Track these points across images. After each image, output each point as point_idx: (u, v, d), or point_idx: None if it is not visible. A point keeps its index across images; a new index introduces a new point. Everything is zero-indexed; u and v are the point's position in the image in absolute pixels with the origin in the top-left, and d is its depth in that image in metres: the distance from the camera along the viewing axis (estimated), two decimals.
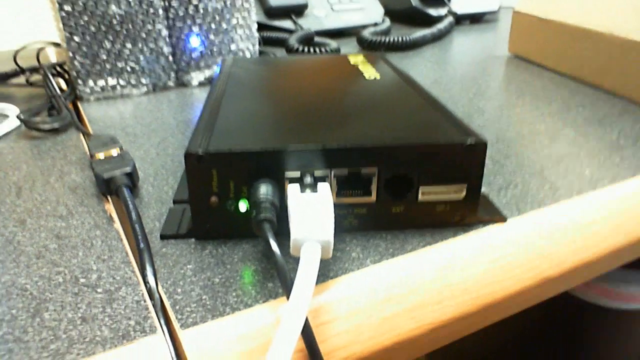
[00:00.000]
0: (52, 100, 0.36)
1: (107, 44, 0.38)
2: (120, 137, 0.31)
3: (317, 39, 0.54)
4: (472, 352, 0.62)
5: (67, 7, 0.36)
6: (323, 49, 0.49)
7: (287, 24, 0.58)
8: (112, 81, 0.39)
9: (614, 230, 0.22)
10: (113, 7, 0.37)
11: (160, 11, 0.39)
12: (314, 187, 0.19)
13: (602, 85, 0.38)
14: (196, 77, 0.42)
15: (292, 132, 0.20)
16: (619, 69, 0.36)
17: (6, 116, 0.36)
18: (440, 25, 0.59)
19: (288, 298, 0.15)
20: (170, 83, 0.42)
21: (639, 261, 0.25)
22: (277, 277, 0.18)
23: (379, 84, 0.27)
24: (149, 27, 0.39)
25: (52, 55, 0.52)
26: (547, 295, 0.21)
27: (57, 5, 0.36)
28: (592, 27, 0.38)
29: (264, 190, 0.18)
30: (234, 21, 0.42)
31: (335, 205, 0.20)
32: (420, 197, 0.20)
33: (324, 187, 0.19)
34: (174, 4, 0.40)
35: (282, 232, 0.18)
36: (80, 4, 0.36)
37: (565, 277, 0.20)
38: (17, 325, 0.16)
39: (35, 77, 0.43)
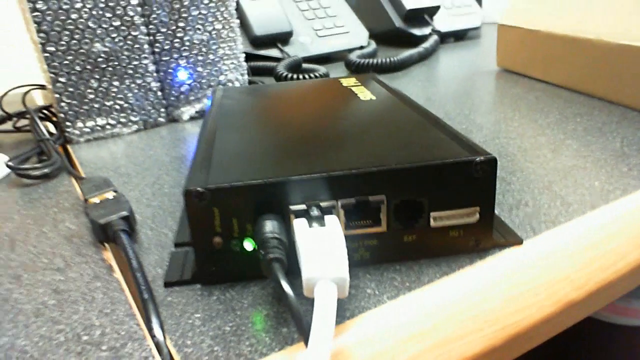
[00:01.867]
0: (41, 145, 0.35)
1: (94, 83, 0.38)
2: (114, 178, 0.30)
3: (305, 65, 0.54)
4: None
5: (51, 48, 0.36)
6: (312, 75, 0.48)
7: (273, 52, 0.58)
8: (101, 121, 0.38)
9: (633, 245, 0.21)
10: (97, 45, 0.37)
11: (146, 46, 0.39)
12: (321, 220, 0.18)
13: (595, 93, 0.38)
14: (187, 111, 0.42)
15: (293, 161, 0.19)
16: (612, 75, 0.36)
17: None
18: (426, 44, 0.59)
19: (306, 344, 0.14)
20: (161, 119, 0.41)
21: None
22: (292, 321, 0.17)
23: (375, 105, 0.26)
24: (135, 62, 0.39)
25: (38, 99, 0.52)
26: (572, 322, 0.20)
27: (39, 46, 0.35)
28: (581, 34, 0.38)
29: (270, 227, 0.18)
30: (221, 52, 0.42)
31: (345, 238, 0.19)
32: (432, 223, 0.19)
33: (332, 220, 0.18)
34: (159, 37, 0.39)
35: (291, 270, 0.17)
36: (64, 43, 0.36)
37: (589, 300, 0.20)
38: None
39: (23, 122, 0.42)
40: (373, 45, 0.63)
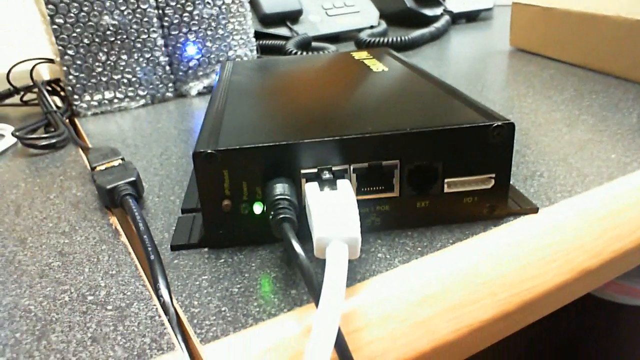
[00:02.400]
0: (48, 117, 0.35)
1: (102, 56, 0.37)
2: (121, 149, 0.30)
3: (314, 43, 0.53)
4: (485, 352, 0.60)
5: (59, 20, 0.35)
6: (322, 53, 0.48)
7: (282, 31, 0.58)
8: (108, 95, 0.38)
9: None
10: (106, 18, 0.36)
11: (155, 20, 0.38)
12: (333, 184, 0.18)
13: (612, 71, 0.37)
14: (195, 86, 0.41)
15: (305, 127, 0.19)
16: (630, 52, 0.35)
17: (1, 135, 0.34)
18: (438, 24, 0.58)
19: (317, 304, 0.14)
20: (169, 94, 0.41)
21: None
22: (302, 282, 0.17)
23: (388, 76, 0.26)
24: (144, 36, 0.38)
25: (45, 73, 0.51)
26: (587, 289, 0.19)
27: (48, 18, 0.35)
28: (598, 11, 0.37)
29: (281, 189, 0.17)
30: (230, 27, 0.41)
31: (357, 203, 0.19)
32: (446, 189, 0.19)
33: (344, 184, 0.17)
34: (168, 11, 0.39)
35: (301, 234, 0.17)
36: (72, 15, 0.35)
37: (604, 269, 0.19)
38: (21, 349, 0.15)
39: (30, 96, 0.42)
40: (383, 25, 0.62)
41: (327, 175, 0.18)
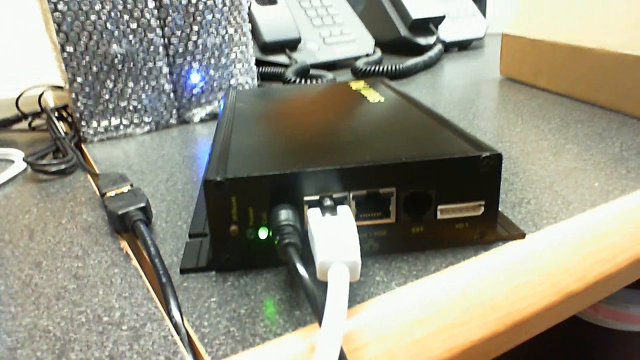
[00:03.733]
0: (57, 143, 0.36)
1: (110, 84, 0.39)
2: (128, 175, 0.31)
3: (313, 71, 0.55)
4: None
5: (69, 48, 0.37)
6: (320, 81, 0.49)
7: (281, 58, 0.59)
8: (115, 121, 0.40)
9: (630, 241, 0.22)
10: (114, 47, 0.38)
11: (161, 49, 0.40)
12: (333, 210, 0.19)
13: (597, 101, 0.39)
14: (198, 113, 0.43)
15: (307, 156, 0.20)
16: (614, 83, 0.37)
17: (11, 161, 0.35)
18: (431, 53, 0.60)
19: (320, 324, 0.15)
20: (173, 121, 0.42)
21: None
22: (306, 303, 0.18)
23: (384, 106, 0.27)
24: (150, 64, 0.40)
25: (51, 100, 0.53)
26: (573, 311, 0.21)
27: (59, 46, 0.37)
28: (584, 44, 0.39)
29: (285, 215, 0.18)
30: (233, 56, 0.43)
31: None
32: (439, 215, 0.20)
33: (345, 210, 0.19)
34: (174, 40, 0.40)
35: (304, 259, 0.18)
36: (82, 44, 0.37)
37: (588, 291, 0.20)
38: None
39: (38, 122, 0.43)
40: (379, 53, 0.64)
41: (328, 202, 0.19)
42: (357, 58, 0.63)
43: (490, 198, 0.20)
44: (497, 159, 0.19)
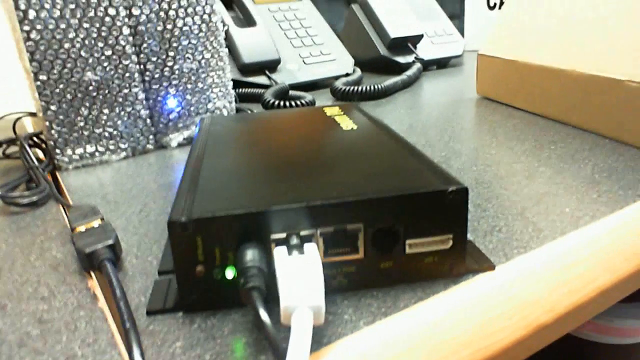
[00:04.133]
0: (30, 173, 0.35)
1: (84, 111, 0.38)
2: (101, 205, 0.31)
3: (292, 92, 0.55)
4: None
5: (43, 77, 0.36)
6: (299, 102, 0.50)
7: (261, 79, 0.60)
8: (90, 148, 0.39)
9: (600, 269, 0.22)
10: (89, 74, 0.38)
11: (136, 75, 0.40)
12: (300, 248, 0.19)
13: (570, 121, 0.40)
14: (175, 138, 0.43)
15: (275, 191, 0.20)
16: (585, 104, 0.38)
17: None
18: (410, 72, 0.61)
19: None
20: (150, 146, 0.42)
21: (631, 295, 0.25)
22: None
23: (356, 134, 0.27)
24: (126, 91, 0.39)
25: (29, 125, 0.52)
26: (545, 343, 0.21)
27: (32, 74, 0.36)
28: (556, 65, 0.40)
29: (250, 255, 0.18)
30: (210, 80, 0.43)
31: (324, 265, 0.20)
32: (407, 249, 0.20)
33: (311, 248, 0.19)
34: (150, 66, 0.40)
35: (273, 296, 0.18)
36: (56, 72, 0.37)
37: (559, 323, 0.20)
38: None
39: (13, 149, 0.43)
40: (358, 72, 0.65)
41: (295, 240, 0.19)
42: (337, 77, 0.64)
43: (458, 231, 0.20)
44: (463, 192, 0.19)
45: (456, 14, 1.01)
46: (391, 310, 0.19)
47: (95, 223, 0.26)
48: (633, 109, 0.34)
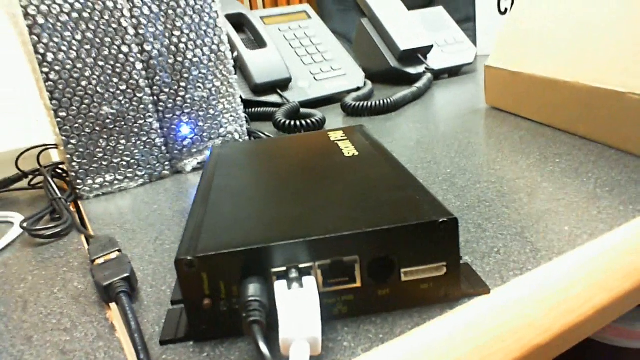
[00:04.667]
0: (53, 204, 0.37)
1: (103, 142, 0.40)
2: (119, 235, 0.33)
3: (302, 110, 0.56)
4: None
5: (62, 113, 0.39)
6: (309, 121, 0.51)
7: (273, 98, 0.61)
8: (109, 177, 0.41)
9: (597, 289, 0.23)
10: (105, 108, 0.40)
11: (150, 106, 0.42)
12: (300, 281, 0.20)
13: (577, 131, 0.40)
14: (189, 163, 0.44)
15: (275, 225, 0.21)
16: (589, 115, 0.38)
17: (11, 224, 0.37)
18: (419, 84, 0.61)
19: None
20: (165, 172, 0.44)
21: None
22: None
23: (357, 162, 0.28)
24: (141, 121, 0.41)
25: (54, 153, 0.55)
26: None
27: (52, 112, 0.38)
28: (559, 77, 0.40)
29: (252, 290, 0.19)
30: (220, 107, 0.45)
31: (323, 294, 0.21)
32: (403, 277, 0.21)
33: (310, 282, 0.20)
34: (163, 97, 0.42)
35: (274, 326, 0.19)
36: (74, 108, 0.39)
37: (554, 344, 0.21)
38: None
39: (38, 179, 0.45)
40: (369, 85, 0.66)
41: (294, 273, 0.20)
42: (348, 92, 0.65)
43: (450, 259, 0.21)
44: (453, 223, 0.20)
45: (470, 17, 1.01)
46: (388, 336, 0.20)
47: (113, 255, 0.27)
48: (636, 121, 0.34)
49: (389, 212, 0.21)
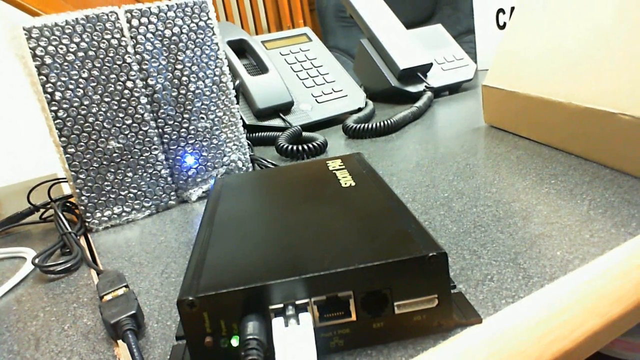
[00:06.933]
0: (64, 239, 0.39)
1: (110, 176, 0.42)
2: (127, 268, 0.34)
3: (304, 134, 0.57)
4: None
5: (71, 149, 0.40)
6: (311, 145, 0.52)
7: (276, 122, 0.62)
8: (117, 209, 0.42)
9: (588, 314, 0.23)
10: (112, 142, 0.41)
11: (155, 139, 0.43)
12: (296, 317, 0.21)
13: (573, 151, 0.41)
14: (195, 192, 0.45)
15: (272, 263, 0.22)
16: (584, 135, 0.39)
17: (24, 259, 0.38)
18: (419, 103, 0.62)
19: None
20: (172, 202, 0.45)
21: None
22: None
23: (353, 192, 0.29)
24: (147, 154, 0.43)
25: (65, 185, 0.56)
26: None
27: (61, 149, 0.40)
28: (554, 97, 0.41)
29: (251, 328, 0.20)
30: (223, 136, 0.46)
31: (320, 329, 0.22)
32: (396, 310, 0.22)
33: (306, 319, 0.21)
34: (167, 130, 0.44)
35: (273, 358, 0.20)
36: (82, 143, 0.40)
37: None
38: None
39: (49, 212, 0.47)
40: (370, 106, 0.67)
41: (290, 310, 0.21)
42: (351, 112, 0.66)
43: (441, 291, 0.22)
44: (442, 257, 0.21)
45: (472, 29, 1.02)
46: None
47: (120, 291, 0.28)
48: (628, 141, 0.34)
49: (381, 246, 0.22)
